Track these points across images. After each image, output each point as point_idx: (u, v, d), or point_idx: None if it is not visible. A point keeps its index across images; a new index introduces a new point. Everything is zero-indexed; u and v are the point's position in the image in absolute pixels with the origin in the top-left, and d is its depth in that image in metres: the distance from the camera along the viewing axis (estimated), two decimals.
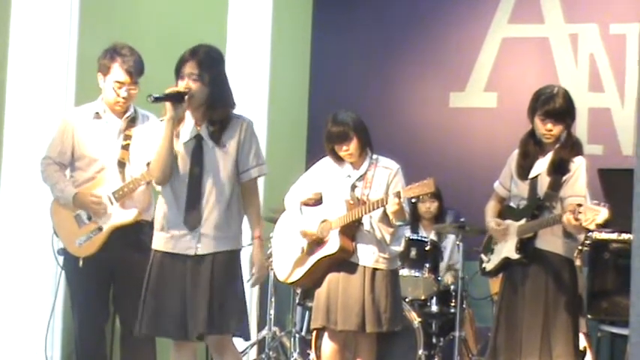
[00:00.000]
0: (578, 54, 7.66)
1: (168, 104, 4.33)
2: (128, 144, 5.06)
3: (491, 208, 5.18)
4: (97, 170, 5.05)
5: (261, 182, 7.52)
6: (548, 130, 4.88)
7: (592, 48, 7.62)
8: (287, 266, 5.38)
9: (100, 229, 5.00)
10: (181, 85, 4.38)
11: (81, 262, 5.00)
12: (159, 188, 4.55)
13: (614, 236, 5.61)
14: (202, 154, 4.45)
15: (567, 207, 4.73)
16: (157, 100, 4.30)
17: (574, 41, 7.68)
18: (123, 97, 5.02)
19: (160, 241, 4.49)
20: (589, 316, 5.79)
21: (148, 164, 4.63)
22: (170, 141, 4.38)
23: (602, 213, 4.54)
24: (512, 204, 5.08)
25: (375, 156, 5.28)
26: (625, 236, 5.47)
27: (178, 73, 4.43)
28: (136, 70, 5.00)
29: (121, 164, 5.05)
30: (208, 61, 4.44)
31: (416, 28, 8.16)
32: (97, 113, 5.09)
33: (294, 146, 8.16)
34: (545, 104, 4.87)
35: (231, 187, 4.47)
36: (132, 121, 5.11)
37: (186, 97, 4.33)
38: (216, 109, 4.44)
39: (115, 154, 5.05)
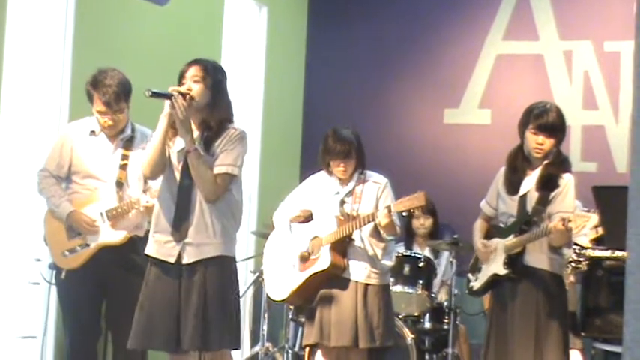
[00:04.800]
0: (573, 71, 7.67)
1: (167, 102, 4.34)
2: (126, 164, 5.06)
3: (479, 227, 5.16)
4: (93, 186, 5.05)
5: (254, 199, 7.55)
6: (539, 144, 4.87)
7: (586, 65, 7.64)
8: (278, 284, 5.37)
9: (88, 245, 5.00)
10: (183, 87, 4.39)
11: (63, 274, 5.00)
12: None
13: (607, 253, 5.61)
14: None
15: (555, 217, 4.73)
16: (155, 95, 4.31)
17: (568, 58, 7.70)
18: (107, 125, 5.02)
19: (149, 244, 4.52)
20: (582, 334, 5.78)
21: (145, 191, 4.82)
22: (163, 137, 4.40)
23: (592, 219, 4.55)
24: (499, 223, 5.06)
25: (363, 171, 5.28)
26: (619, 253, 5.46)
27: (181, 79, 4.46)
28: (117, 100, 4.97)
29: (119, 184, 5.06)
30: (212, 67, 4.50)
31: (411, 44, 8.18)
32: (93, 132, 5.09)
33: (287, 161, 8.16)
34: (539, 118, 4.86)
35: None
36: (129, 141, 5.10)
37: (187, 98, 4.34)
38: (216, 114, 4.45)
39: (112, 172, 5.06)
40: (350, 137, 5.21)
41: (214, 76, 4.47)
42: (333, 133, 5.24)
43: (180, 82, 4.44)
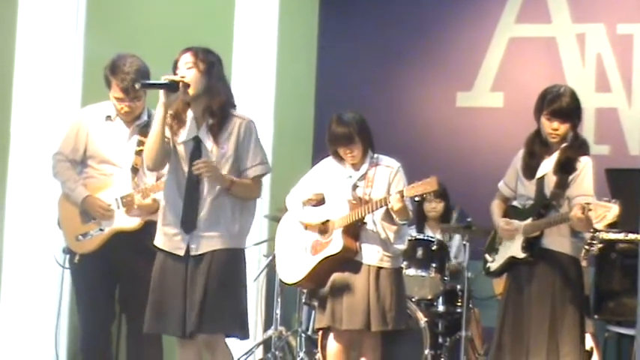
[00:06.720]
0: (585, 54, 7.64)
1: (161, 91, 4.35)
2: (142, 150, 5.05)
3: (497, 207, 5.16)
4: (108, 172, 5.07)
5: (266, 183, 7.54)
6: (554, 129, 4.87)
7: (599, 48, 7.60)
8: (290, 267, 5.38)
9: (102, 230, 5.02)
10: (177, 76, 4.42)
11: (77, 258, 5.03)
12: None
13: (621, 236, 5.60)
14: (200, 158, 4.45)
15: (575, 205, 4.72)
16: (145, 86, 4.34)
17: (581, 41, 7.66)
18: (124, 111, 5.03)
19: (157, 235, 4.56)
20: (595, 317, 5.78)
21: (158, 178, 4.82)
22: (161, 127, 4.42)
23: (613, 209, 4.52)
24: (517, 204, 5.06)
25: (375, 155, 5.28)
26: (632, 236, 5.45)
27: (175, 69, 4.48)
28: (134, 87, 4.98)
29: (135, 170, 5.07)
30: (203, 53, 4.50)
31: (422, 28, 8.15)
32: (109, 116, 5.11)
33: (300, 147, 8.16)
34: (552, 103, 4.86)
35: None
36: (145, 127, 5.09)
37: (181, 85, 4.35)
38: (216, 98, 4.45)
39: (127, 158, 5.07)
40: (351, 120, 5.20)
41: (206, 60, 4.47)
42: (336, 117, 5.26)
43: (174, 72, 4.46)
